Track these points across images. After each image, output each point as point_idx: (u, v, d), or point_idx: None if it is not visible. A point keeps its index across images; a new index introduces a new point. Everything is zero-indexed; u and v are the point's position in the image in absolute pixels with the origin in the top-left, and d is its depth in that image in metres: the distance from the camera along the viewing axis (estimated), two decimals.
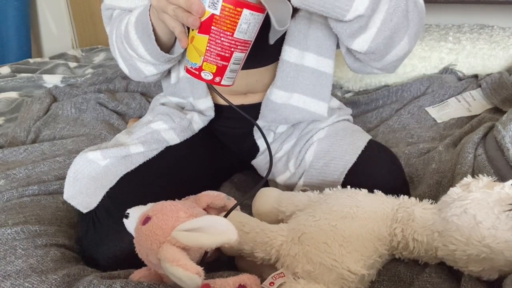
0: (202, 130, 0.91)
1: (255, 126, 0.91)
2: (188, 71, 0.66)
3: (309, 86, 0.85)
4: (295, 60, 0.82)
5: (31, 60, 1.95)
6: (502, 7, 1.65)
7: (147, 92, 1.51)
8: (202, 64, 0.63)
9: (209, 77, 0.64)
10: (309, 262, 0.61)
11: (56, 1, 2.55)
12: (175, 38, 0.76)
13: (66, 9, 2.58)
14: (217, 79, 0.65)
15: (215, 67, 0.63)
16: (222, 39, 0.61)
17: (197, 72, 0.64)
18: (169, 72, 0.92)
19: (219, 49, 0.62)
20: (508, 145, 0.88)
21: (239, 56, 0.64)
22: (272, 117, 0.87)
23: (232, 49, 0.62)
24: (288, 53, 0.82)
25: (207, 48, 0.62)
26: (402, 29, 0.72)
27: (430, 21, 1.74)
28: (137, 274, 0.65)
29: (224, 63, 0.63)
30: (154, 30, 0.73)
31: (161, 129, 0.87)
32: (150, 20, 0.72)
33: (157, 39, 0.74)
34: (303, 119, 0.88)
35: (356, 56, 0.78)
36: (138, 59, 0.80)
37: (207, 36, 0.61)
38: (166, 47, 0.77)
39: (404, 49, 0.76)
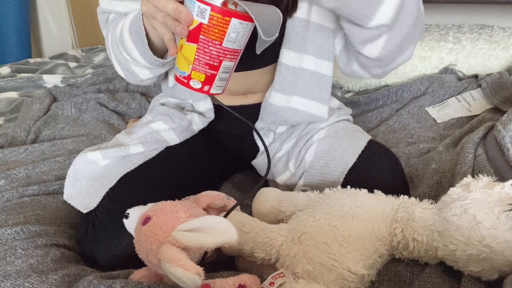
0: (202, 131, 0.91)
1: (255, 127, 0.91)
2: (177, 79, 0.65)
3: (308, 89, 0.84)
4: (294, 63, 0.82)
5: (31, 60, 1.95)
6: (502, 7, 1.65)
7: (147, 92, 1.51)
8: (191, 72, 0.62)
9: (197, 85, 0.63)
10: (309, 262, 0.61)
11: (56, 1, 2.55)
12: None
13: (66, 9, 2.58)
14: (206, 88, 0.64)
15: (203, 76, 0.63)
16: (210, 48, 0.60)
17: (185, 81, 0.63)
18: (166, 74, 0.92)
19: (208, 58, 0.61)
20: (508, 145, 0.88)
21: (228, 65, 0.63)
22: (271, 119, 0.87)
23: (221, 58, 0.62)
24: (286, 56, 0.81)
25: (196, 57, 0.61)
26: (411, 36, 0.71)
27: (430, 21, 1.74)
28: (137, 274, 0.65)
29: (213, 72, 0.62)
30: (147, 34, 0.72)
31: (161, 129, 0.87)
32: (143, 25, 0.71)
33: (151, 44, 0.74)
34: (303, 120, 0.88)
35: (360, 61, 0.77)
36: (133, 63, 0.80)
37: (196, 45, 0.60)
38: (160, 51, 0.77)
39: (408, 56, 0.76)
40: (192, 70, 0.62)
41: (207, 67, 0.62)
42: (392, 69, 0.79)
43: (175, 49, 0.64)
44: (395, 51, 0.71)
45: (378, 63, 0.75)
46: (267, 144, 0.92)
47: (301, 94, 0.85)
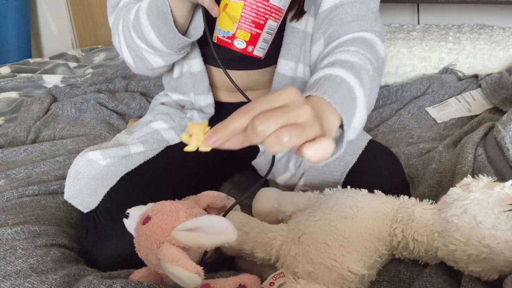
0: None
1: None
2: (219, 40, 0.65)
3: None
4: (291, 73, 0.83)
5: (31, 60, 1.95)
6: (502, 7, 1.65)
7: (147, 92, 1.51)
8: (236, 31, 0.63)
9: (242, 45, 0.64)
10: (309, 262, 0.61)
11: (56, 1, 2.55)
12: (189, 22, 0.76)
13: (66, 9, 2.58)
14: (250, 48, 0.64)
15: (249, 34, 0.63)
16: (258, 4, 0.61)
17: (229, 41, 0.64)
18: (171, 66, 0.92)
19: (254, 15, 0.62)
20: (508, 145, 0.88)
21: (272, 25, 0.64)
22: None
23: (267, 16, 0.63)
24: (284, 66, 0.82)
25: (242, 14, 0.62)
26: (376, 89, 0.73)
27: (430, 21, 1.74)
28: (137, 274, 0.65)
29: (258, 31, 0.63)
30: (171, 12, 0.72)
31: (161, 128, 0.87)
32: (168, 2, 0.71)
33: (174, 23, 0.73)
34: None
35: None
36: (145, 50, 0.79)
37: (243, 1, 0.61)
38: (181, 32, 0.76)
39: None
40: (237, 28, 0.63)
41: (253, 25, 0.63)
42: None
43: (218, 8, 0.64)
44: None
45: None
46: None
47: None
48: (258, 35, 0.64)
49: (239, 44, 0.64)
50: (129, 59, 0.83)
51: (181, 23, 0.74)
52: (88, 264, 0.73)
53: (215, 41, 0.66)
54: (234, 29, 0.63)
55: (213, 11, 0.65)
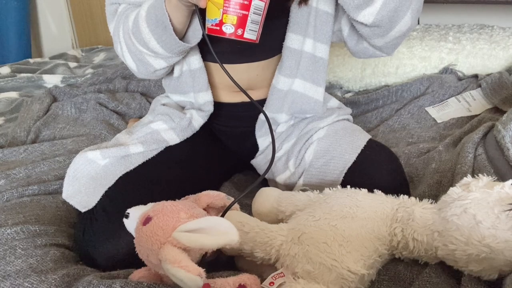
0: (202, 130, 0.91)
1: (256, 125, 0.91)
2: (209, 30, 0.66)
3: (308, 72, 0.88)
4: (298, 46, 0.85)
5: (31, 60, 1.95)
6: (502, 7, 1.65)
7: (147, 92, 1.51)
8: (222, 17, 0.64)
9: (230, 30, 0.64)
10: (309, 262, 0.61)
11: (56, 1, 2.55)
12: (187, 28, 0.78)
13: (66, 9, 2.58)
14: (239, 31, 0.65)
15: (235, 17, 0.64)
16: None
17: (218, 28, 0.64)
18: (171, 68, 0.92)
19: None
20: (508, 144, 0.88)
21: (259, 4, 0.64)
22: (277, 105, 0.87)
23: None
24: (291, 40, 0.85)
25: None
26: (406, 2, 0.75)
27: (430, 21, 1.74)
28: (137, 274, 0.65)
29: (244, 12, 0.64)
30: (170, 20, 0.73)
31: (160, 129, 0.87)
32: (166, 11, 0.72)
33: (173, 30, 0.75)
34: (303, 106, 0.89)
35: (360, 32, 0.81)
36: (147, 54, 0.80)
37: None
38: (179, 37, 0.78)
39: (407, 24, 0.79)
40: (223, 13, 0.63)
41: (238, 7, 0.63)
42: (395, 39, 0.82)
43: (205, 0, 0.65)
44: (390, 17, 0.75)
45: (377, 31, 0.79)
46: (267, 143, 0.93)
47: (302, 76, 0.87)
48: (245, 16, 0.64)
49: (228, 29, 0.64)
50: (132, 64, 0.85)
51: (179, 28, 0.75)
52: (87, 264, 0.73)
53: (206, 33, 0.67)
54: (220, 14, 0.64)
55: (201, 3, 0.66)
